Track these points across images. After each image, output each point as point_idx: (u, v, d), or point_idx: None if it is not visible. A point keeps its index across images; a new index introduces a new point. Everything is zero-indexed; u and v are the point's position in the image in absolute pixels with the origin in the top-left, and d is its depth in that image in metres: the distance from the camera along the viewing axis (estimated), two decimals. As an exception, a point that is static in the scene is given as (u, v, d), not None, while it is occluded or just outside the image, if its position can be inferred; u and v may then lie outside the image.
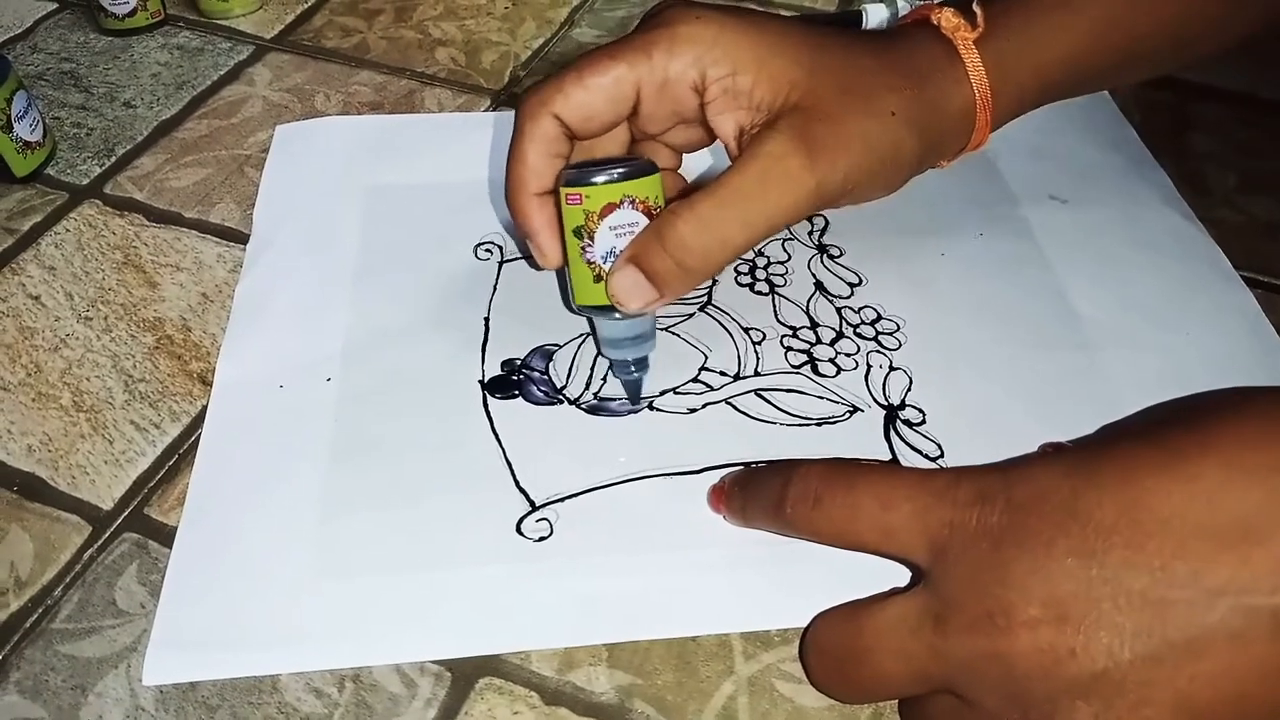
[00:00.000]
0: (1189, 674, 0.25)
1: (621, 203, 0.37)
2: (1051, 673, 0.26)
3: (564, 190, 0.38)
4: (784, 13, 0.64)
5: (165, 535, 0.38)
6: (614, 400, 0.42)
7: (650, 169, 0.38)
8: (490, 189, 0.51)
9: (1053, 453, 0.30)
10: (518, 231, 0.40)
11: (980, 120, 0.41)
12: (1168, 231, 0.48)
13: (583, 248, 0.38)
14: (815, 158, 0.37)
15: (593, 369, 0.43)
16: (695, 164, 0.48)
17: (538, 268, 0.41)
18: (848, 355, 0.43)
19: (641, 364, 0.41)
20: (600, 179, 0.37)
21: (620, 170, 0.37)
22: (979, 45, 0.40)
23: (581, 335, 0.44)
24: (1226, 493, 0.26)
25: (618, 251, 0.38)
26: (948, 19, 0.40)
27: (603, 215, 0.37)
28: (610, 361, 0.42)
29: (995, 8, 0.41)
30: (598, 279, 0.38)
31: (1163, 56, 0.44)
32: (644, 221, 0.38)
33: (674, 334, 0.44)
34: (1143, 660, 0.25)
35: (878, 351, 0.43)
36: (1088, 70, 0.43)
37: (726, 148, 0.40)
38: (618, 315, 0.39)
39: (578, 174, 0.38)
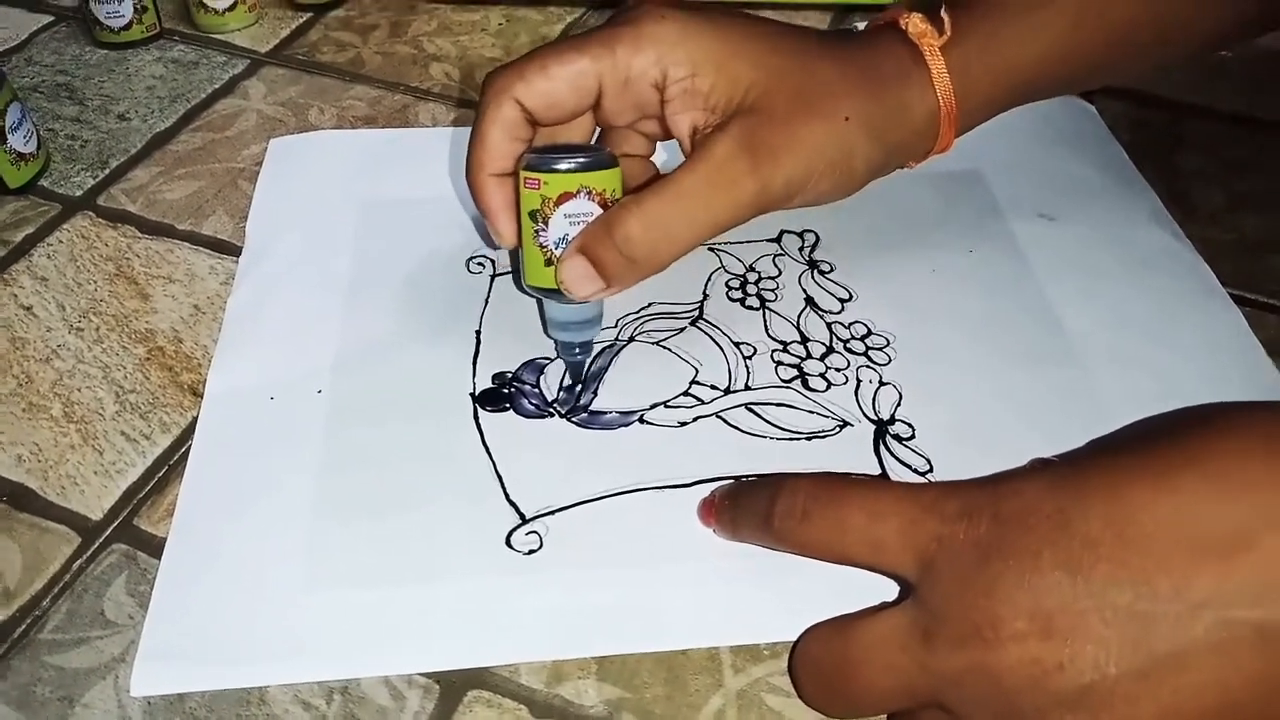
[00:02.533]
0: (1174, 687, 0.25)
1: (578, 192, 0.38)
2: (1039, 686, 0.26)
3: (523, 174, 0.39)
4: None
5: (154, 546, 0.38)
6: (605, 414, 0.42)
7: (610, 162, 0.39)
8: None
9: (1040, 467, 0.30)
10: (477, 209, 0.41)
11: (944, 126, 0.42)
12: (1156, 249, 0.48)
13: (536, 231, 0.39)
14: (759, 162, 0.38)
15: (583, 383, 0.43)
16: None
17: (495, 246, 0.42)
18: (838, 370, 0.43)
19: (586, 347, 0.42)
20: (560, 167, 0.38)
21: (581, 160, 0.38)
22: (945, 51, 0.41)
23: (573, 349, 0.44)
24: (1210, 506, 0.26)
25: (570, 239, 0.39)
26: (915, 24, 0.41)
27: (559, 202, 0.38)
28: (556, 343, 0.43)
29: (962, 14, 0.41)
30: (549, 263, 0.39)
31: (1130, 62, 0.45)
32: (598, 212, 0.39)
33: (665, 348, 0.44)
34: (1128, 674, 0.25)
35: (868, 366, 0.44)
36: (1054, 77, 0.43)
37: (681, 145, 0.41)
38: (560, 299, 0.40)
39: (539, 159, 0.39)
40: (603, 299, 0.41)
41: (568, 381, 0.43)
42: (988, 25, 0.41)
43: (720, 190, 0.38)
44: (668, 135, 0.43)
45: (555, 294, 0.40)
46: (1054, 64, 0.43)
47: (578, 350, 0.42)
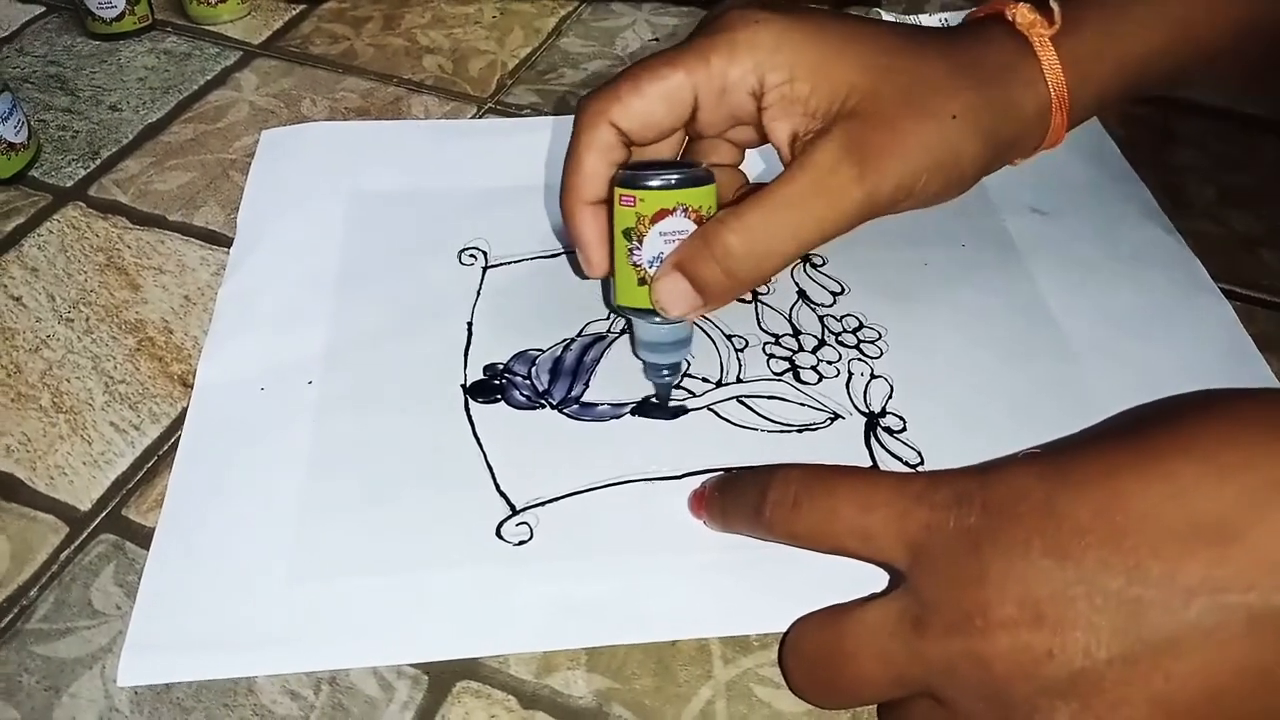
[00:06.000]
0: (1165, 672, 0.25)
1: (675, 209, 0.37)
2: (1029, 673, 0.26)
3: (619, 190, 0.37)
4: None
5: (143, 537, 0.38)
6: (597, 405, 0.42)
7: (707, 178, 0.38)
8: (492, 193, 0.51)
9: (1031, 456, 0.30)
10: (568, 237, 0.40)
11: (1056, 120, 0.40)
12: (1148, 243, 0.48)
13: (630, 249, 0.38)
14: (865, 168, 0.36)
15: (574, 374, 0.43)
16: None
17: (583, 275, 0.41)
18: (829, 363, 0.43)
19: (675, 369, 0.41)
20: (657, 184, 0.37)
21: (677, 176, 0.37)
22: (1055, 42, 0.39)
23: (564, 341, 0.44)
24: (1201, 491, 0.26)
25: (664, 257, 0.38)
26: (1023, 15, 0.39)
27: (655, 220, 0.37)
28: (644, 363, 0.41)
29: (1071, 3, 0.39)
30: (641, 282, 0.38)
31: (1237, 58, 0.43)
32: (694, 230, 0.37)
33: (657, 340, 0.44)
34: (1119, 660, 0.25)
35: (859, 359, 0.43)
36: (1164, 68, 0.41)
37: (779, 153, 0.39)
38: (657, 319, 0.39)
39: (634, 175, 0.37)
40: (694, 319, 0.39)
41: (654, 404, 0.42)
42: (1101, 15, 0.40)
43: (825, 199, 0.36)
44: (760, 142, 0.41)
45: (648, 314, 0.39)
46: (1163, 58, 0.40)
47: (665, 372, 0.41)
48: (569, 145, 0.39)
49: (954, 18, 0.60)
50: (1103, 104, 0.41)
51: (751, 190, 0.39)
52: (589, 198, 0.39)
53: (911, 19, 0.61)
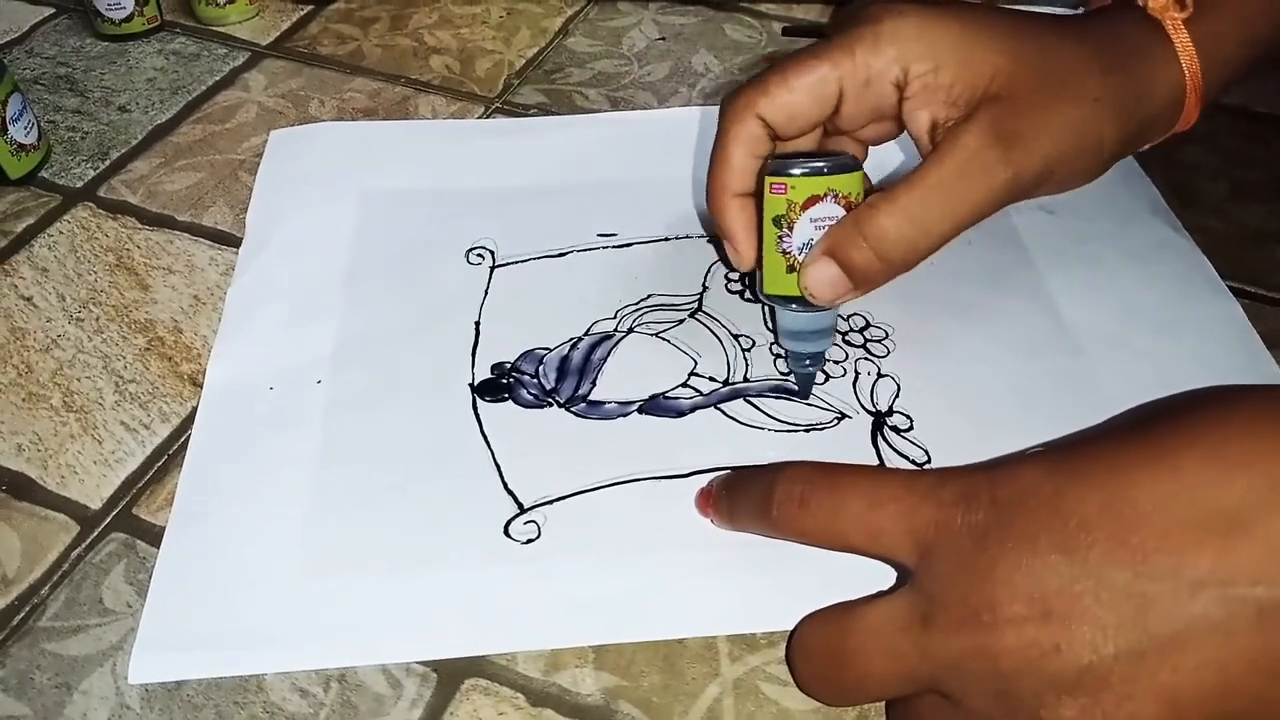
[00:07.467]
0: (1172, 666, 0.25)
1: (825, 196, 0.37)
2: (1037, 669, 0.26)
3: (769, 179, 0.38)
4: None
5: (153, 535, 0.38)
6: (604, 404, 0.42)
7: (854, 165, 0.38)
8: (499, 192, 0.51)
9: (1038, 453, 0.30)
10: (716, 231, 0.41)
11: (1189, 102, 0.40)
12: (1156, 241, 0.48)
13: (780, 237, 0.38)
14: (1012, 149, 0.37)
15: (581, 372, 0.43)
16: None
17: (730, 267, 0.42)
18: (836, 362, 0.43)
19: (817, 358, 0.41)
20: (807, 170, 0.37)
21: (826, 164, 0.38)
22: (1188, 25, 0.39)
23: (571, 339, 0.44)
24: (1208, 485, 0.26)
25: (814, 243, 0.38)
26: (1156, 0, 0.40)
27: (805, 207, 0.37)
28: (786, 352, 0.42)
29: None
30: (790, 270, 0.39)
31: None
32: (843, 216, 0.38)
33: (664, 339, 0.44)
34: (1126, 654, 0.25)
35: (866, 359, 0.44)
36: (1275, 43, 0.42)
37: (917, 141, 0.39)
38: (795, 307, 0.39)
39: (784, 163, 0.38)
40: (838, 307, 0.40)
41: (797, 394, 0.42)
42: None
43: (973, 181, 0.37)
44: (886, 138, 0.42)
45: (794, 301, 0.39)
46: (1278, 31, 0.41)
47: (808, 361, 0.41)
48: (715, 140, 0.40)
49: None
50: (1229, 83, 0.42)
51: (873, 190, 0.39)
52: (737, 189, 0.40)
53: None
